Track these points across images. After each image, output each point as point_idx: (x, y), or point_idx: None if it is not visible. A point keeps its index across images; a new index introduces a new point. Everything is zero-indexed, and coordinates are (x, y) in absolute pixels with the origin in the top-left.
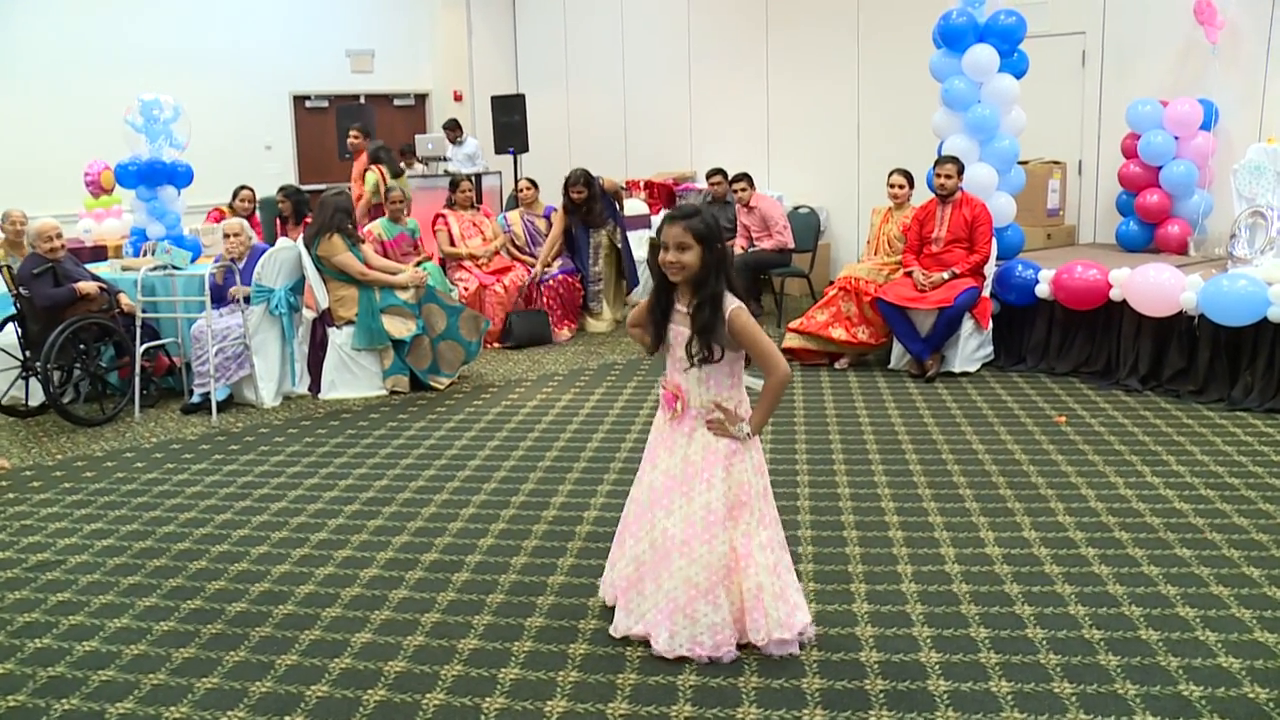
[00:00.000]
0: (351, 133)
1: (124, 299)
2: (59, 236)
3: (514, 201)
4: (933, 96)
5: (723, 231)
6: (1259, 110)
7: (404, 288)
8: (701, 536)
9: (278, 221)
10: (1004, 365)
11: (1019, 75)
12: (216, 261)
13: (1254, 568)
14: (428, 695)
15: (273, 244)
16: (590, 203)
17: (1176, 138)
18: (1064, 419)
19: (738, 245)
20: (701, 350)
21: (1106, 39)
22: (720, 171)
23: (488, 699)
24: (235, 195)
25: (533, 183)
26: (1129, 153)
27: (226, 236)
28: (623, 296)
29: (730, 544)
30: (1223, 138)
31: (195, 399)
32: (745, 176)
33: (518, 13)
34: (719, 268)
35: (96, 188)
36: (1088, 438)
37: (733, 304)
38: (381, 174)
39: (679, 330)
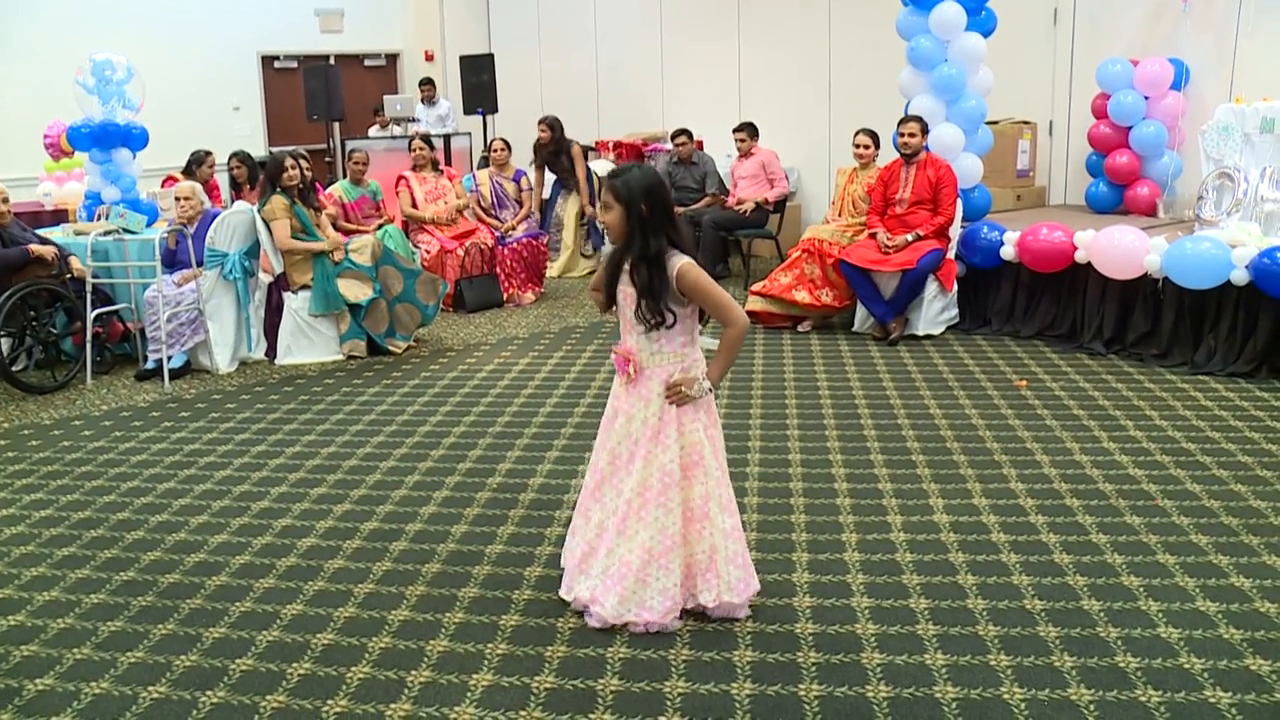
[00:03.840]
0: None
1: (75, 262)
2: (5, 201)
3: (485, 161)
4: (904, 56)
5: (658, 188)
6: (1229, 70)
7: (326, 251)
8: (657, 500)
9: (231, 188)
10: (969, 328)
11: (987, 34)
12: (170, 225)
13: (1202, 535)
14: (353, 669)
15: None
16: (555, 150)
17: (1147, 98)
18: (1024, 383)
19: (700, 202)
20: (651, 315)
21: None
22: (685, 132)
23: (413, 672)
24: (200, 162)
25: (506, 143)
26: (1099, 113)
27: (178, 200)
28: (579, 251)
29: (687, 502)
30: (1193, 98)
31: (149, 365)
32: (748, 126)
33: None
34: (645, 227)
35: (57, 150)
36: (1047, 402)
37: (680, 260)
38: None
39: (626, 290)
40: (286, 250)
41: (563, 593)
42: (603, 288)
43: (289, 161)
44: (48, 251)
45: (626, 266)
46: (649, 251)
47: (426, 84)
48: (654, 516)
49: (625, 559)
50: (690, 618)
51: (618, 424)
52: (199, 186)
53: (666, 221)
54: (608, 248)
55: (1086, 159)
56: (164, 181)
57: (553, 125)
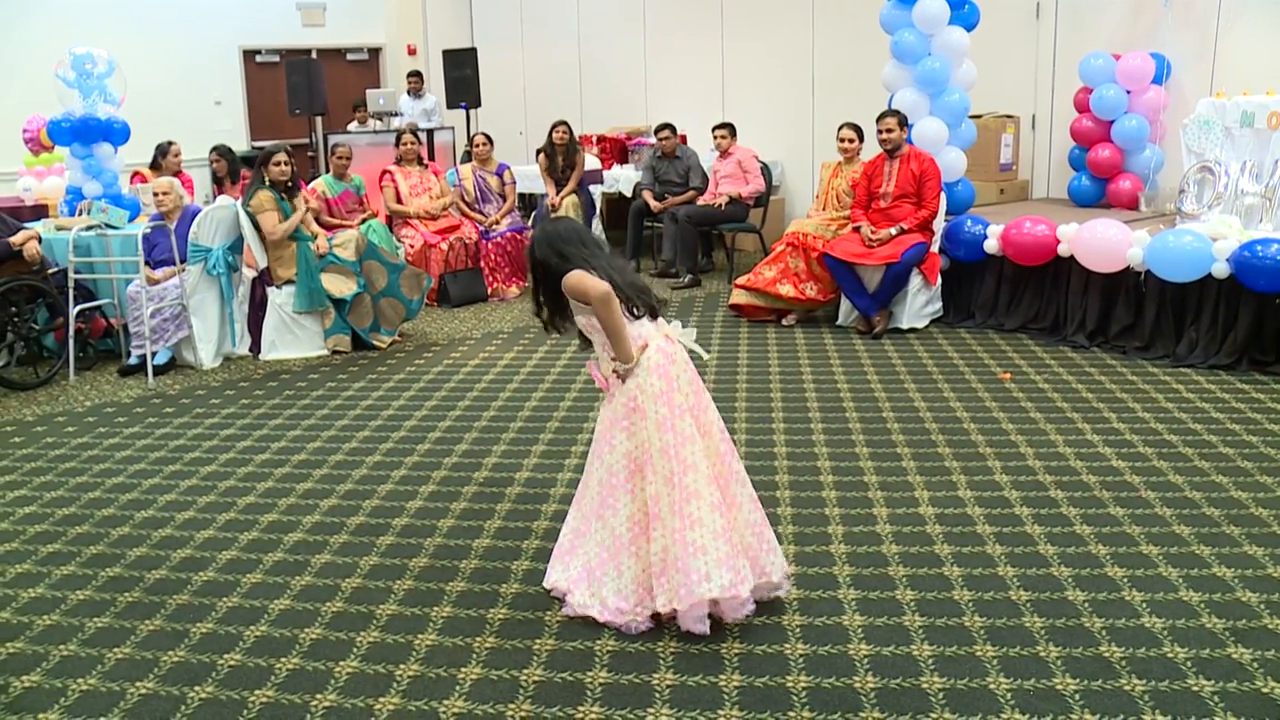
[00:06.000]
0: None
1: (30, 248)
2: None
3: (467, 156)
4: (888, 50)
5: (549, 240)
6: (1210, 65)
7: (312, 238)
8: (608, 501)
9: (213, 183)
10: (952, 321)
11: (970, 28)
12: (154, 220)
13: (1185, 526)
14: (341, 663)
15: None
16: (569, 151)
17: (1129, 92)
18: (1009, 376)
19: (702, 198)
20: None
21: None
22: (669, 127)
23: (401, 666)
24: (164, 153)
25: (488, 138)
26: (1081, 107)
27: (156, 195)
28: None
29: (642, 505)
30: (1175, 92)
31: (133, 360)
32: (728, 125)
33: None
34: (545, 253)
35: (36, 144)
36: (1031, 395)
37: (567, 272)
38: None
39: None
40: (277, 238)
41: (545, 581)
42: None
43: (279, 156)
44: (31, 241)
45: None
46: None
47: (414, 76)
48: (607, 516)
49: (588, 557)
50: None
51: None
52: (177, 181)
53: (565, 238)
54: None
55: (1069, 153)
56: (132, 177)
57: (570, 128)
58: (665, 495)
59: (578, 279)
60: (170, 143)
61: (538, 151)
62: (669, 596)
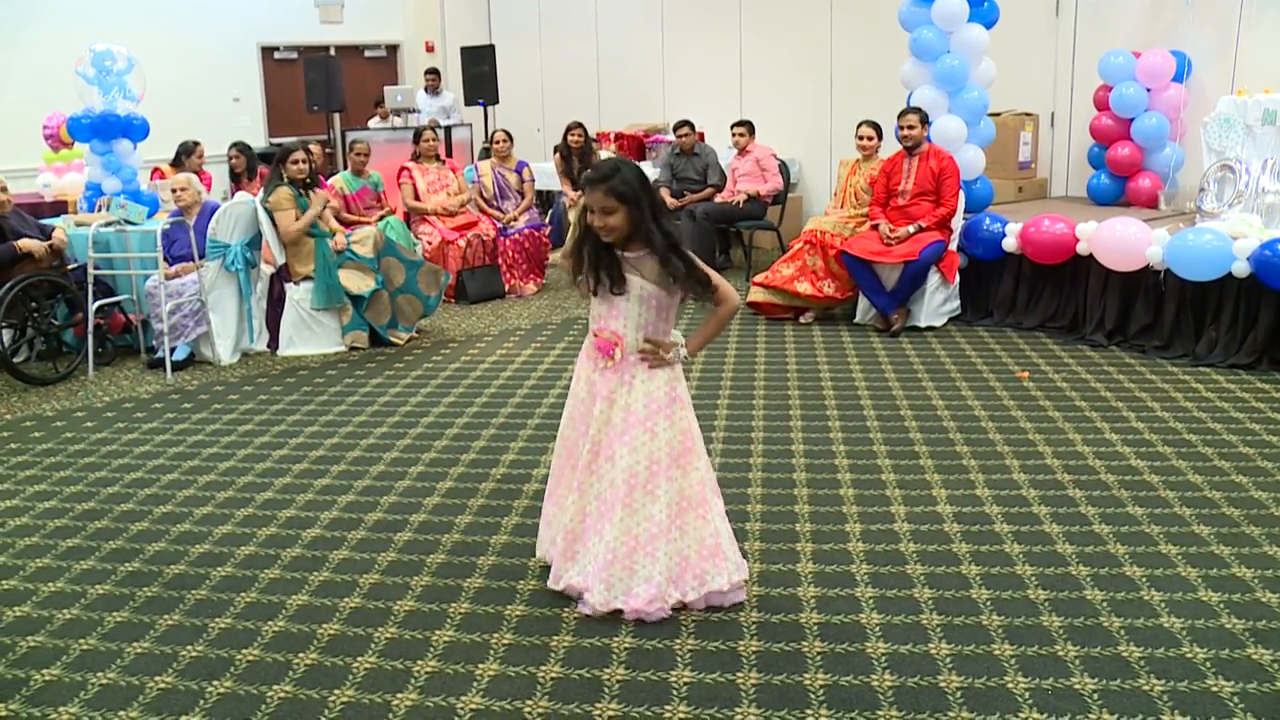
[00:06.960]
0: None
1: (58, 234)
2: (3, 190)
3: (486, 153)
4: (906, 48)
5: (646, 179)
6: (1231, 62)
7: (330, 235)
8: (645, 488)
9: (231, 180)
10: (970, 320)
11: (989, 25)
12: (173, 216)
13: (1204, 525)
14: (359, 659)
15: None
16: (584, 154)
17: (1149, 90)
18: (1026, 374)
19: (720, 196)
20: (699, 295)
21: None
22: (687, 124)
23: (419, 662)
24: (189, 152)
25: (508, 135)
26: (1101, 105)
27: (174, 190)
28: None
29: (681, 492)
30: (1195, 90)
31: (160, 354)
32: (746, 123)
33: None
34: (654, 218)
35: (56, 141)
36: (1049, 393)
37: (669, 242)
38: None
39: (633, 280)
40: (292, 236)
41: (551, 583)
42: (577, 267)
43: (297, 154)
44: (36, 247)
45: (631, 255)
46: (672, 239)
47: (432, 74)
48: (641, 504)
49: (613, 546)
50: (684, 610)
51: (596, 409)
52: (194, 177)
53: (662, 207)
54: None
55: (1088, 151)
56: (151, 173)
57: (586, 130)
58: (709, 479)
59: (715, 277)
60: (196, 143)
61: (555, 150)
62: (729, 574)
